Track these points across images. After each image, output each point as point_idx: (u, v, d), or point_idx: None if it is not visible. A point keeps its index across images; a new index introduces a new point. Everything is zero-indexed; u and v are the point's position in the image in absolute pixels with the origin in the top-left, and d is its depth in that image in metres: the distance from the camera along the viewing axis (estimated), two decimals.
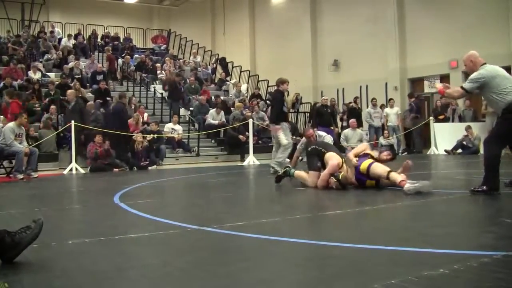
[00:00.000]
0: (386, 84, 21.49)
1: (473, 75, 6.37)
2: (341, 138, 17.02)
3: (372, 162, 7.15)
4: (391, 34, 21.44)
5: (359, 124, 18.02)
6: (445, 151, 16.86)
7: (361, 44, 22.39)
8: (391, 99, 19.59)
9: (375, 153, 7.58)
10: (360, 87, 22.24)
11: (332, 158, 7.47)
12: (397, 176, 6.77)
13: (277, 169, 10.07)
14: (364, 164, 7.14)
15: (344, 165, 7.44)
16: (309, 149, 8.06)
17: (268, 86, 24.07)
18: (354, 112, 18.46)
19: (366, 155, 7.36)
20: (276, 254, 3.65)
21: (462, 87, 6.44)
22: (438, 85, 7.05)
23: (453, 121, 18.26)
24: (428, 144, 17.88)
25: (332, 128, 16.78)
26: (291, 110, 20.20)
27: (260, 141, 17.41)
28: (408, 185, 6.48)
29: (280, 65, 25.35)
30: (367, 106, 20.05)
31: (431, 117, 17.92)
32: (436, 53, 19.95)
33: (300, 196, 7.26)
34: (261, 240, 4.10)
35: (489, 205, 5.81)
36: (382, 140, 17.64)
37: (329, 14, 24.51)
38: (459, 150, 16.54)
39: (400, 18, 21.46)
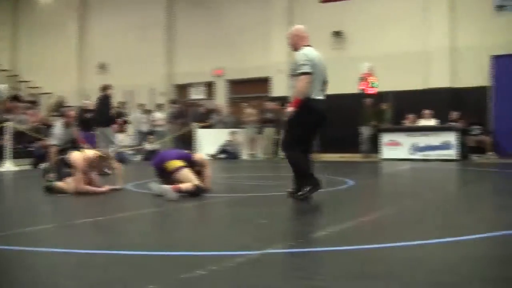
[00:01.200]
0: (153, 89, 21.65)
1: (302, 58, 6.05)
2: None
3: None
4: (159, 39, 21.69)
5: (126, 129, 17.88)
6: (209, 155, 17.50)
7: (129, 48, 22.24)
8: (159, 104, 19.77)
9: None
10: (128, 91, 22.07)
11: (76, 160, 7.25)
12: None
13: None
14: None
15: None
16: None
17: (29, 88, 22.73)
18: (121, 117, 18.20)
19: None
20: (31, 266, 3.43)
21: (303, 73, 5.96)
22: (289, 109, 6.11)
23: (218, 127, 19.03)
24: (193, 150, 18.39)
25: (93, 132, 16.41)
26: (54, 114, 19.33)
27: (20, 146, 16.25)
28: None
29: (44, 65, 24.05)
30: (135, 111, 19.97)
31: (195, 123, 18.44)
32: (202, 61, 20.68)
33: (63, 203, 6.93)
34: (16, 252, 3.83)
35: (246, 207, 6.13)
36: (147, 145, 17.67)
37: (98, 16, 23.89)
38: (222, 155, 17.29)
39: (169, 23, 21.84)
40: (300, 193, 6.03)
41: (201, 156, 7.73)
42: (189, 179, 6.71)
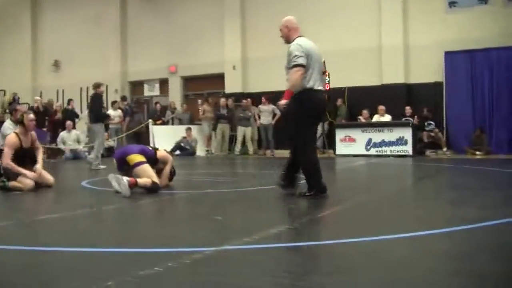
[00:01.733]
0: (107, 86, 21.32)
1: (296, 49, 5.90)
2: (57, 140, 16.47)
3: None
4: (113, 36, 21.41)
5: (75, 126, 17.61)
6: (165, 151, 17.33)
7: (83, 44, 21.90)
8: (113, 101, 19.45)
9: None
10: (81, 88, 21.70)
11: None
12: None
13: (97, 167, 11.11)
14: None
15: None
16: None
17: None
18: (70, 114, 17.88)
19: None
20: None
21: (296, 65, 5.81)
22: (282, 102, 5.97)
23: (173, 124, 18.89)
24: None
25: (44, 129, 16.21)
26: (7, 111, 18.90)
27: None
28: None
29: None
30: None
31: (150, 120, 18.23)
32: (156, 57, 20.52)
33: (18, 201, 6.75)
34: None
35: (201, 204, 6.12)
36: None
37: (51, 11, 23.45)
38: (177, 152, 17.16)
39: (123, 20, 21.59)
40: (307, 193, 5.95)
41: (164, 153, 7.64)
42: (147, 175, 6.68)
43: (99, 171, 10.68)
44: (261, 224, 4.50)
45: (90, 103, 12.63)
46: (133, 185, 6.37)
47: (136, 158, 6.84)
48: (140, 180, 6.54)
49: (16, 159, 7.37)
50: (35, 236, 4.37)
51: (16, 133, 7.50)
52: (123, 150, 7.28)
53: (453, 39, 15.52)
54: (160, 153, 7.40)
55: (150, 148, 7.48)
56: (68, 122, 16.80)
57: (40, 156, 7.72)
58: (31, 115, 7.67)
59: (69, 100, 18.88)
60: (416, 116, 15.30)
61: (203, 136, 17.89)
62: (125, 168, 6.86)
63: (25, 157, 7.50)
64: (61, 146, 16.42)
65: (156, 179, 6.73)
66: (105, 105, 15.28)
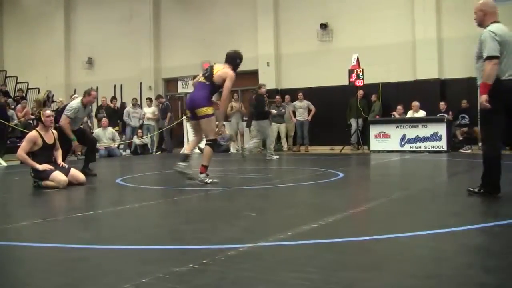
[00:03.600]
0: (140, 83, 21.56)
1: (490, 38, 5.39)
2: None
3: None
4: (145, 33, 21.57)
5: (116, 124, 17.80)
6: (199, 148, 17.36)
7: (115, 42, 22.12)
8: (148, 98, 19.65)
9: None
10: (115, 85, 21.96)
11: None
12: None
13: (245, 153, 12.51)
14: None
15: None
16: None
17: (17, 83, 22.54)
18: (110, 111, 18.06)
19: None
20: (22, 260, 3.41)
21: (490, 57, 5.31)
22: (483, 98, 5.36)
23: None
24: (182, 143, 18.32)
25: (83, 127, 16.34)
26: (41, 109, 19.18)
27: (8, 141, 16.16)
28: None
29: (30, 61, 23.93)
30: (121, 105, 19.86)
31: (184, 117, 18.35)
32: (189, 54, 20.58)
33: (52, 198, 6.89)
34: (6, 247, 3.80)
35: (235, 201, 6.15)
36: (136, 140, 17.58)
37: (83, 10, 23.71)
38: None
39: (155, 17, 21.72)
40: (476, 190, 5.61)
41: (220, 73, 7.64)
42: (211, 129, 7.39)
43: (272, 160, 12.65)
44: (294, 221, 4.50)
45: (255, 102, 13.53)
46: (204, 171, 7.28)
47: (206, 110, 7.33)
48: (204, 161, 7.33)
49: (41, 154, 7.58)
50: (68, 233, 4.43)
51: (37, 130, 7.68)
52: (192, 103, 7.49)
53: None
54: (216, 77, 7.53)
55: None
56: (104, 119, 16.96)
57: (59, 157, 7.92)
58: (48, 111, 7.87)
59: (112, 98, 19.11)
60: (450, 112, 15.10)
61: (232, 132, 17.92)
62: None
63: (49, 152, 7.72)
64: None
65: (214, 135, 7.46)
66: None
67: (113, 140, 16.76)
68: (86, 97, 9.32)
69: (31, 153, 7.54)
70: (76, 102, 9.25)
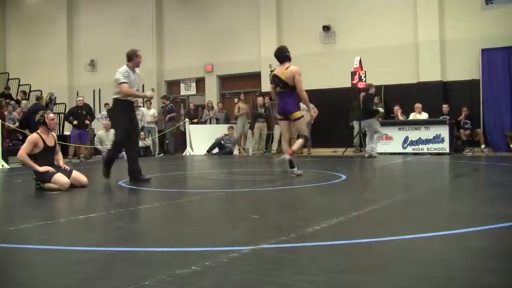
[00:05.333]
0: (143, 85, 21.56)
1: None
2: (95, 140, 16.69)
3: None
4: (148, 35, 21.62)
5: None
6: (206, 151, 17.37)
7: (118, 44, 22.04)
8: (148, 100, 19.66)
9: None
10: None
11: None
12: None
13: (374, 154, 13.42)
14: None
15: None
16: None
17: (19, 85, 22.57)
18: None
19: None
20: (25, 263, 3.41)
21: None
22: None
23: (210, 123, 18.99)
24: (184, 146, 18.34)
25: (87, 130, 16.36)
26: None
27: (11, 144, 16.17)
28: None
29: (33, 63, 23.98)
30: None
31: (186, 119, 18.40)
32: (192, 56, 20.64)
33: (55, 200, 6.90)
34: (8, 249, 3.80)
35: (238, 203, 6.15)
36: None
37: (86, 12, 23.80)
38: (216, 150, 17.27)
39: (158, 19, 21.78)
40: None
41: (291, 74, 8.65)
42: (302, 127, 8.79)
43: (375, 159, 13.03)
44: (298, 223, 4.50)
45: (365, 101, 14.10)
46: (292, 154, 8.40)
47: (297, 114, 8.62)
48: (294, 147, 8.50)
49: (42, 157, 7.63)
50: (71, 235, 4.43)
51: (38, 133, 7.70)
52: (284, 110, 8.76)
53: (490, 36, 15.25)
54: (288, 80, 8.54)
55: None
56: (106, 121, 16.95)
57: (61, 160, 8.00)
58: (52, 115, 7.96)
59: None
60: (452, 114, 15.12)
61: (237, 134, 17.96)
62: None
63: (50, 155, 7.78)
64: (98, 146, 16.55)
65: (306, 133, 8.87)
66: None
67: None
68: (133, 59, 8.82)
69: (32, 156, 7.57)
70: (122, 68, 8.68)
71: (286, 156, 8.43)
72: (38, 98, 16.47)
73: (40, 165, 7.48)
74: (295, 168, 8.44)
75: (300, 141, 8.65)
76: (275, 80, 8.69)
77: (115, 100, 8.50)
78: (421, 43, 16.43)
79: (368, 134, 14.03)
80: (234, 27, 19.92)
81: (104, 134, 16.59)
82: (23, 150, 7.56)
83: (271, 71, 8.64)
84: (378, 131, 13.62)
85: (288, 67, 8.55)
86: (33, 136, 7.69)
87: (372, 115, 13.80)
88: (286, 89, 8.54)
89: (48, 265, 3.34)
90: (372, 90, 14.09)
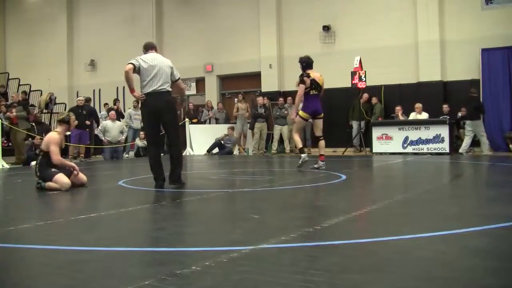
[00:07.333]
0: None
1: None
2: (98, 129, 16.66)
3: None
4: (148, 35, 21.58)
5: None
6: (206, 151, 17.35)
7: (118, 44, 22.17)
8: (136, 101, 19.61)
9: None
10: (117, 88, 21.99)
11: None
12: None
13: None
14: None
15: None
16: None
17: (19, 85, 22.57)
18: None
19: None
20: (25, 263, 3.41)
21: None
22: None
23: (210, 123, 18.98)
24: (184, 145, 18.31)
25: (87, 130, 16.36)
26: (44, 111, 19.24)
27: (10, 144, 16.20)
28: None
29: (33, 63, 23.98)
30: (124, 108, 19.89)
31: (186, 119, 18.39)
32: (192, 56, 20.64)
33: (55, 200, 6.90)
34: (8, 249, 3.80)
35: (238, 203, 6.15)
36: (138, 142, 17.58)
37: (86, 12, 23.81)
38: (216, 150, 17.27)
39: (158, 19, 21.78)
40: None
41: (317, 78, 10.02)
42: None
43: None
44: (297, 223, 4.50)
45: (474, 103, 14.48)
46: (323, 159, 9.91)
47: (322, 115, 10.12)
48: (323, 151, 10.06)
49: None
50: (71, 235, 4.41)
51: (58, 132, 7.71)
52: (316, 111, 10.08)
53: (490, 36, 15.25)
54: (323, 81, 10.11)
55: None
56: (112, 112, 16.95)
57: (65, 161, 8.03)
58: (74, 117, 7.97)
59: (115, 100, 19.12)
60: (452, 114, 15.12)
61: (237, 134, 17.96)
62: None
63: (62, 152, 7.94)
64: (100, 135, 16.48)
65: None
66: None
67: (121, 132, 16.74)
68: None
69: (45, 154, 7.56)
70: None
71: (305, 156, 10.06)
72: (88, 100, 17.51)
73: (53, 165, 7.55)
74: (323, 162, 9.88)
75: (323, 143, 10.20)
76: (313, 83, 9.80)
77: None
78: (421, 43, 16.43)
79: (470, 135, 14.49)
80: (234, 27, 19.92)
81: (110, 123, 16.59)
82: (57, 154, 7.59)
83: (307, 75, 9.72)
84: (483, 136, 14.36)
85: (318, 74, 9.97)
86: (56, 137, 7.68)
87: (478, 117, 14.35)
88: (319, 92, 9.94)
89: (47, 265, 3.34)
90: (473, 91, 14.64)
